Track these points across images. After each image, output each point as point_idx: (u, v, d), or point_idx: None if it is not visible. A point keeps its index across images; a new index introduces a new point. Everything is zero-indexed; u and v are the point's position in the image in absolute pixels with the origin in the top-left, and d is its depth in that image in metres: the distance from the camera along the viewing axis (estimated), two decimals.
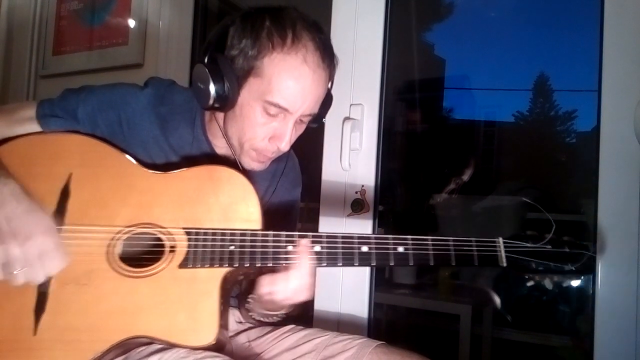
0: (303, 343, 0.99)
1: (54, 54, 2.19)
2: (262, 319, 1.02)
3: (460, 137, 3.08)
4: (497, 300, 2.31)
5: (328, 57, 0.94)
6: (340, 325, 1.48)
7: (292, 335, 1.02)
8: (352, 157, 1.50)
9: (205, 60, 0.92)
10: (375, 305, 1.51)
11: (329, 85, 1.00)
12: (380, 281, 2.17)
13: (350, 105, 1.52)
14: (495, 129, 3.20)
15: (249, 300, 1.00)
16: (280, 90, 0.88)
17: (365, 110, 1.51)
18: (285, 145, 0.93)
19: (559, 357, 2.32)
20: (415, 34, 2.53)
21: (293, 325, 1.06)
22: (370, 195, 1.49)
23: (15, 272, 0.80)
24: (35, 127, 0.98)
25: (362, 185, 1.50)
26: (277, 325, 1.06)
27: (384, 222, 1.76)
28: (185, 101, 1.00)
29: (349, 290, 1.49)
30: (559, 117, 3.22)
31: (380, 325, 2.06)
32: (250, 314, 1.02)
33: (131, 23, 1.99)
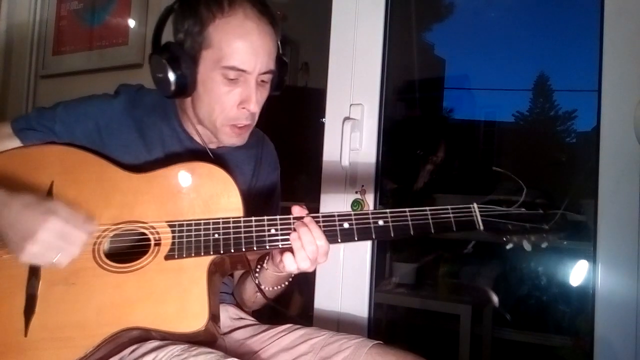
0: (300, 343, 0.99)
1: (54, 54, 2.19)
2: (271, 288, 1.04)
3: (460, 137, 3.08)
4: (496, 299, 2.31)
5: (267, 13, 0.96)
6: (340, 325, 1.48)
7: (288, 335, 1.02)
8: (352, 157, 1.50)
9: (157, 51, 0.96)
10: (375, 305, 1.51)
11: (279, 47, 1.02)
12: (380, 281, 2.17)
13: (350, 105, 1.52)
14: (495, 129, 3.20)
15: (258, 271, 1.02)
16: (231, 52, 0.92)
17: (365, 110, 1.51)
18: (254, 107, 0.96)
19: (559, 357, 2.32)
20: (415, 34, 2.54)
21: (290, 324, 1.06)
22: (370, 195, 1.49)
23: (54, 260, 0.82)
24: (13, 143, 1.00)
25: (362, 185, 1.50)
26: (273, 323, 1.07)
27: None
28: (157, 100, 1.04)
29: (349, 290, 1.49)
30: (559, 117, 3.22)
31: (380, 325, 2.06)
32: (262, 286, 1.04)
33: (131, 23, 1.99)
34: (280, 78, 1.04)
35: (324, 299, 1.52)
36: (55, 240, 0.82)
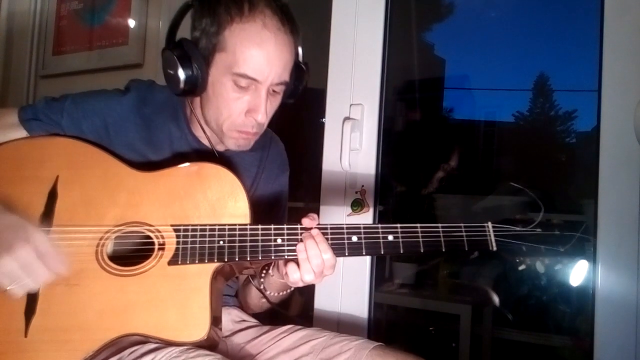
0: (300, 344, 0.99)
1: (54, 54, 2.19)
2: (276, 293, 1.03)
3: (460, 137, 3.08)
4: (497, 299, 2.31)
5: (289, 22, 0.93)
6: (340, 325, 1.48)
7: (289, 336, 1.02)
8: (352, 157, 1.50)
9: (170, 46, 0.93)
10: (375, 305, 1.51)
11: (298, 54, 0.99)
12: (380, 281, 2.17)
13: (350, 105, 1.52)
14: (495, 129, 3.20)
15: (263, 276, 1.01)
16: (245, 59, 0.89)
17: (365, 110, 1.51)
18: (262, 117, 0.93)
19: (559, 357, 2.32)
20: (415, 34, 2.54)
21: (291, 325, 1.06)
22: (370, 195, 1.49)
23: (8, 288, 0.80)
24: (19, 133, 0.99)
25: (362, 185, 1.50)
26: (274, 325, 1.07)
27: (384, 222, 1.76)
28: (167, 98, 1.01)
29: (349, 290, 1.49)
30: (559, 117, 3.22)
31: (380, 325, 2.06)
32: (267, 292, 1.03)
33: (131, 23, 1.99)
34: (296, 86, 1.01)
35: (324, 299, 1.52)
36: (17, 270, 0.80)
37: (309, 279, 0.87)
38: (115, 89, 1.05)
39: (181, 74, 0.91)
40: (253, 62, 0.89)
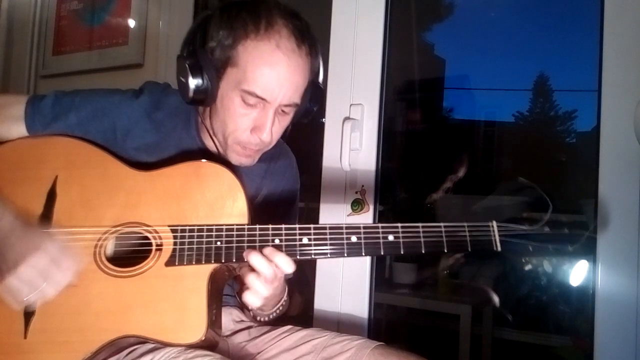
0: (302, 344, 0.99)
1: (54, 54, 2.19)
2: (264, 318, 1.02)
3: (460, 137, 3.08)
4: (496, 299, 2.31)
5: (306, 45, 0.91)
6: (340, 325, 1.48)
7: (290, 336, 1.02)
8: (352, 157, 1.50)
9: (185, 53, 0.93)
10: (375, 305, 1.51)
11: (315, 76, 0.98)
12: (380, 281, 2.18)
13: (350, 105, 1.52)
14: (495, 129, 3.20)
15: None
16: (255, 78, 0.88)
17: (365, 110, 1.51)
18: (266, 136, 0.92)
19: (559, 357, 2.33)
20: (415, 34, 2.54)
21: (292, 326, 1.05)
22: (370, 195, 1.49)
23: (25, 299, 0.80)
24: (21, 127, 0.98)
25: (362, 185, 1.50)
26: (275, 325, 1.06)
27: (384, 222, 1.76)
28: (181, 103, 1.00)
29: (349, 290, 1.49)
30: (559, 117, 3.23)
31: (380, 325, 2.06)
32: (255, 316, 1.02)
33: (131, 23, 1.99)
34: (311, 106, 0.99)
35: (324, 300, 1.52)
36: (36, 277, 0.80)
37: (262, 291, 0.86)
38: (129, 90, 1.03)
39: (191, 83, 0.90)
40: (263, 82, 0.88)
